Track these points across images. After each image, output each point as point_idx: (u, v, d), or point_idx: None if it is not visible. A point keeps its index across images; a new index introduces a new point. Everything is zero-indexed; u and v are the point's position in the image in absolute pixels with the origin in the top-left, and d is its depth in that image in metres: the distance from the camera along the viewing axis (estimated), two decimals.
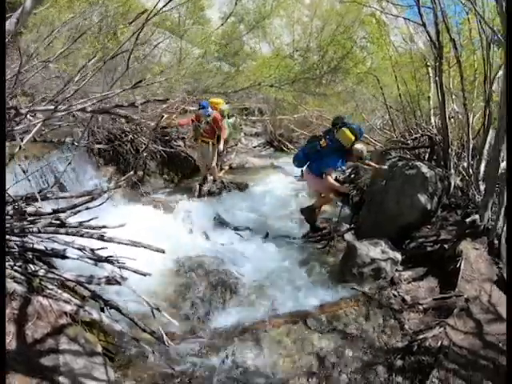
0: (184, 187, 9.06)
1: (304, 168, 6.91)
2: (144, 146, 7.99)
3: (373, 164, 6.68)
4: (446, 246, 5.29)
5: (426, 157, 7.60)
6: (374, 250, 5.29)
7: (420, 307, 4.59)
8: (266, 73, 10.95)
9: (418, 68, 8.87)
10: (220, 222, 7.17)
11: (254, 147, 14.88)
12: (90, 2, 7.80)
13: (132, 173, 4.55)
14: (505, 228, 4.99)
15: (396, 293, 4.87)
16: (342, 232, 6.44)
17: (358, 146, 6.36)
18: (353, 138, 6.17)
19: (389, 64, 9.14)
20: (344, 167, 6.95)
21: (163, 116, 4.59)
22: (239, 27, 13.67)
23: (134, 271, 3.57)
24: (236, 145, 13.21)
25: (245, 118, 14.32)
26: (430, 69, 8.11)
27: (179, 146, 9.99)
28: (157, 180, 9.11)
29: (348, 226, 6.71)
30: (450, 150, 6.47)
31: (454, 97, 7.62)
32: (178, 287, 5.10)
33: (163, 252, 3.65)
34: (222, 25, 12.31)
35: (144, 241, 3.77)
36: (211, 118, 8.14)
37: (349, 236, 6.24)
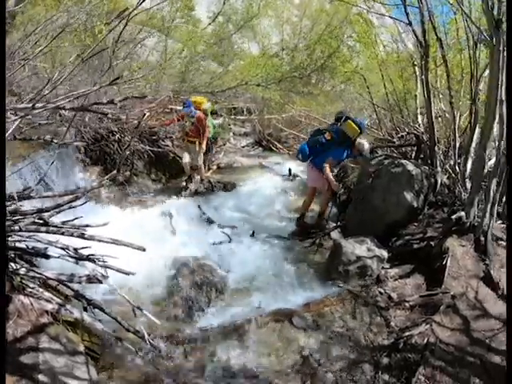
0: (171, 187, 8.98)
1: (307, 162, 6.94)
2: (126, 144, 7.92)
3: (363, 164, 6.69)
4: (432, 243, 5.30)
5: (413, 155, 7.62)
6: (359, 248, 5.28)
7: (406, 304, 4.58)
8: (253, 72, 10.91)
9: (405, 67, 8.90)
10: (206, 221, 7.12)
11: (243, 147, 14.82)
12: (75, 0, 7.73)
13: (115, 172, 4.51)
14: (491, 225, 5.01)
15: (382, 290, 4.85)
16: (328, 230, 6.42)
17: (363, 141, 6.55)
18: (358, 129, 6.38)
19: (376, 63, 9.15)
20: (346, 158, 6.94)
21: (145, 114, 4.55)
22: (228, 27, 13.62)
23: (117, 270, 3.53)
24: (224, 144, 13.18)
25: (233, 117, 14.29)
26: (416, 68, 8.14)
27: (167, 145, 9.92)
28: (144, 180, 9.01)
29: (335, 224, 6.70)
30: (436, 148, 6.50)
31: (441, 96, 7.66)
32: (163, 286, 5.05)
33: (144, 250, 3.62)
34: (210, 24, 12.29)
35: (128, 240, 3.72)
36: (195, 117, 8.13)
37: (335, 234, 6.23)
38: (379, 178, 6.12)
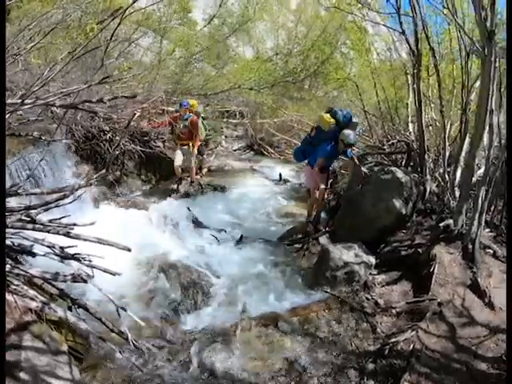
0: (161, 188, 8.96)
1: (305, 162, 6.91)
2: (116, 144, 7.89)
3: (355, 160, 6.58)
4: (420, 250, 5.31)
5: (403, 162, 7.64)
6: (347, 254, 5.27)
7: (393, 311, 4.58)
8: (246, 76, 10.93)
9: (397, 75, 8.96)
10: (195, 224, 7.09)
11: (235, 150, 14.85)
12: None
13: (104, 171, 4.47)
14: (479, 233, 5.03)
15: (369, 296, 4.86)
16: (317, 235, 6.39)
17: (347, 131, 6.24)
18: (330, 120, 6.13)
19: (369, 71, 9.20)
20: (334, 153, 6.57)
21: (135, 114, 4.56)
22: (223, 29, 13.62)
23: (104, 270, 3.49)
24: (216, 147, 13.19)
25: (225, 120, 14.28)
26: (409, 76, 8.19)
27: (158, 146, 9.89)
28: (134, 180, 8.98)
29: (323, 229, 6.68)
30: (426, 156, 6.52)
31: (432, 105, 7.71)
32: (149, 287, 5.01)
33: (129, 250, 3.58)
34: (205, 26, 12.30)
35: (116, 240, 3.69)
36: (189, 121, 8.11)
37: (323, 239, 6.20)
38: (369, 184, 6.14)
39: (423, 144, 6.47)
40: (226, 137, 15.26)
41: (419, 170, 6.62)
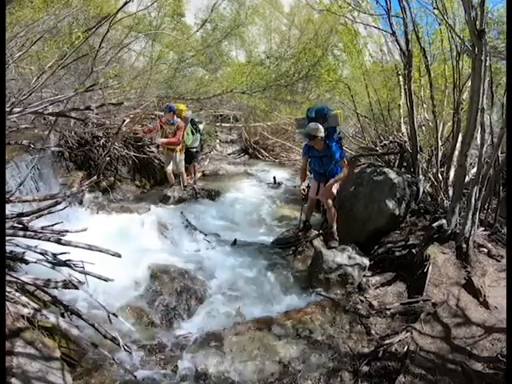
0: (155, 193, 8.92)
1: None
2: (107, 150, 7.87)
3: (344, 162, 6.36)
4: (414, 250, 5.30)
5: (396, 163, 7.66)
6: (340, 256, 5.27)
7: (387, 312, 4.57)
8: (238, 80, 10.91)
9: (389, 76, 8.98)
10: (189, 229, 7.05)
11: (229, 154, 14.87)
12: (64, 3, 7.68)
13: (95, 177, 4.45)
14: (472, 232, 5.03)
15: (363, 298, 4.86)
16: (310, 238, 6.36)
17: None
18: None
19: (361, 72, 9.21)
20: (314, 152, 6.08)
21: (124, 120, 4.55)
22: (216, 34, 13.61)
23: (96, 276, 3.47)
24: (210, 152, 13.18)
25: (218, 124, 14.27)
26: (401, 77, 8.20)
27: (152, 152, 9.87)
28: (128, 186, 8.94)
29: (317, 231, 6.65)
30: (419, 156, 6.53)
31: (424, 105, 7.72)
32: (143, 293, 4.98)
33: (119, 256, 3.56)
34: (197, 31, 12.30)
35: (109, 246, 3.67)
36: (176, 125, 8.06)
37: (317, 242, 6.17)
38: (362, 185, 6.14)
39: (416, 144, 6.48)
40: (220, 141, 15.27)
41: (412, 170, 6.63)
